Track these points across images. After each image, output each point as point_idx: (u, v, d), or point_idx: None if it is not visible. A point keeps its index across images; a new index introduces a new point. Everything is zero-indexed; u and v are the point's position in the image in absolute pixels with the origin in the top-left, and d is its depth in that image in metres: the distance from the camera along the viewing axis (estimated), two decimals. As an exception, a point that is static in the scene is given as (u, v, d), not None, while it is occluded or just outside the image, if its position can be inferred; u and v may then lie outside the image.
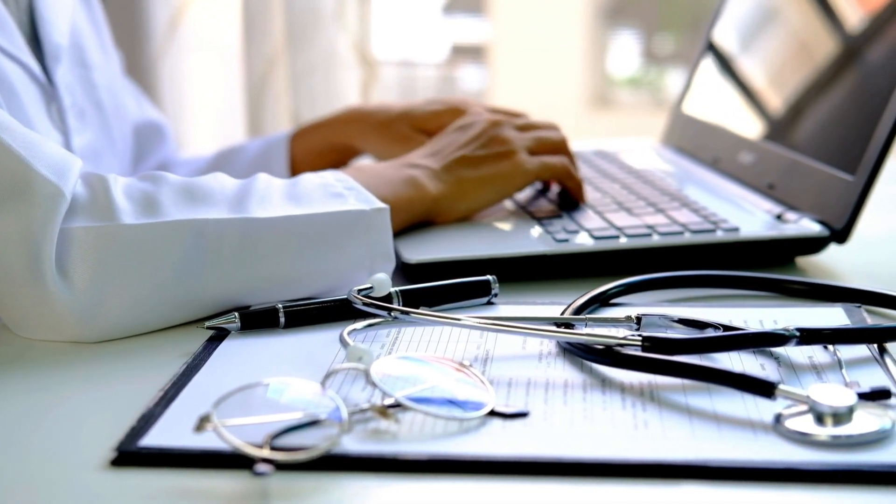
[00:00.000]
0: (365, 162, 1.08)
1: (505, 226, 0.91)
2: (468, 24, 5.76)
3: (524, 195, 0.99)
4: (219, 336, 0.71)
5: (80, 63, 1.00)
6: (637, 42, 5.73)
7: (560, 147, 0.96)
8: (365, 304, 0.70)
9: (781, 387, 0.58)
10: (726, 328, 0.67)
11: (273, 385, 0.58)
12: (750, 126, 1.11)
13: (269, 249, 0.75)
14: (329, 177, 0.81)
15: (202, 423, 0.53)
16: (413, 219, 0.88)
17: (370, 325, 0.70)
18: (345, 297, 0.72)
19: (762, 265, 0.87)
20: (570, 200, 0.96)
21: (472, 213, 0.91)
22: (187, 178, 0.76)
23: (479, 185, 0.90)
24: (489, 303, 0.77)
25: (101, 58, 1.04)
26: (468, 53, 5.68)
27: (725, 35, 1.23)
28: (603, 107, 5.57)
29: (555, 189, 0.99)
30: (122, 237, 0.71)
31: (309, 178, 0.80)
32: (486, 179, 0.90)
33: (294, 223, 0.75)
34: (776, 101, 1.11)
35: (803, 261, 0.90)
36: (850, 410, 0.56)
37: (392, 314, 0.68)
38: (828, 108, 0.99)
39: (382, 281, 0.72)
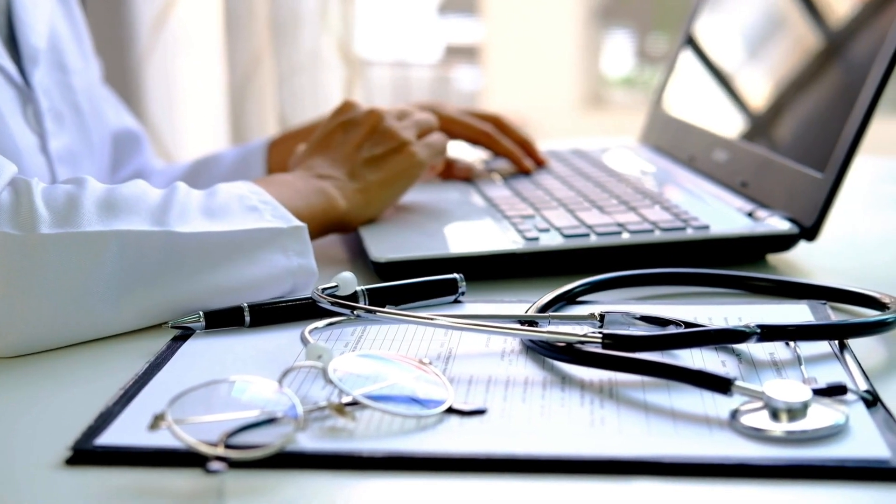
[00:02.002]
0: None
1: (476, 224, 0.92)
2: (462, 25, 5.76)
3: (498, 194, 1.00)
4: (184, 336, 0.71)
5: (59, 67, 0.99)
6: (630, 42, 5.73)
7: (435, 127, 0.96)
8: (329, 302, 0.70)
9: (738, 383, 0.58)
10: (688, 325, 0.67)
11: (231, 383, 0.58)
12: (725, 124, 1.11)
13: (188, 263, 0.73)
14: (244, 189, 0.80)
15: (156, 422, 0.53)
16: (327, 228, 0.88)
17: (331, 324, 0.70)
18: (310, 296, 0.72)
19: (734, 262, 0.87)
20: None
21: (381, 214, 0.92)
22: (111, 185, 0.75)
23: (383, 187, 0.90)
24: (456, 301, 0.77)
25: (81, 63, 1.04)
26: (462, 54, 5.68)
27: (702, 33, 1.23)
28: (597, 106, 5.58)
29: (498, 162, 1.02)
30: (39, 247, 0.69)
31: (226, 190, 0.79)
32: (388, 180, 0.90)
33: (211, 239, 0.74)
34: (750, 100, 1.11)
35: (774, 258, 0.90)
36: (805, 406, 0.56)
37: (354, 312, 0.69)
38: (799, 106, 0.99)
39: (348, 280, 0.73)
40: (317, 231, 0.86)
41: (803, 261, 0.90)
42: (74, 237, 0.70)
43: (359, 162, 0.90)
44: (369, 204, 0.90)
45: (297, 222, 0.78)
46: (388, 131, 0.92)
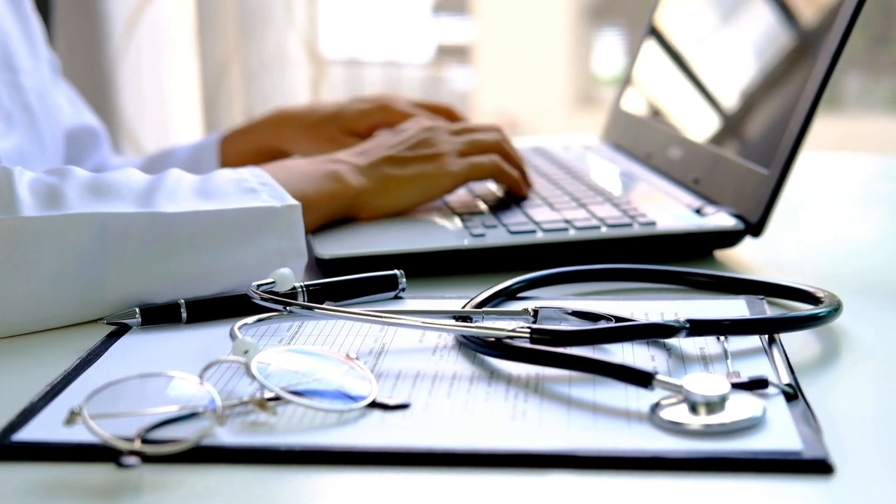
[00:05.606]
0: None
1: (425, 220, 0.92)
2: (453, 25, 5.76)
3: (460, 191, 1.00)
4: (119, 332, 0.71)
5: (7, 67, 0.99)
6: (622, 41, 5.73)
7: (493, 147, 0.95)
8: (262, 298, 0.70)
9: (659, 377, 0.58)
10: (619, 320, 0.67)
11: (154, 378, 0.58)
12: (680, 121, 1.11)
13: (175, 245, 0.74)
14: (245, 172, 0.81)
15: (72, 417, 0.54)
16: (335, 213, 0.88)
17: (261, 320, 0.70)
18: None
19: (681, 258, 0.87)
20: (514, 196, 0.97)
21: (396, 211, 0.91)
22: (96, 173, 0.76)
23: (402, 184, 0.90)
24: (397, 297, 0.77)
25: (31, 62, 1.03)
26: (454, 54, 5.68)
27: (659, 31, 1.23)
28: (588, 105, 5.58)
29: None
30: (20, 230, 0.70)
31: (223, 174, 0.80)
32: (410, 179, 0.90)
33: (201, 218, 0.75)
34: (704, 97, 1.11)
35: (721, 254, 0.90)
36: (723, 399, 0.56)
37: (287, 308, 0.69)
38: (749, 103, 1.00)
39: (285, 276, 0.73)
40: (326, 213, 0.86)
41: (749, 256, 0.90)
42: (56, 220, 0.71)
43: (383, 157, 0.90)
44: (383, 194, 0.89)
45: (292, 201, 0.78)
46: (427, 140, 0.92)
